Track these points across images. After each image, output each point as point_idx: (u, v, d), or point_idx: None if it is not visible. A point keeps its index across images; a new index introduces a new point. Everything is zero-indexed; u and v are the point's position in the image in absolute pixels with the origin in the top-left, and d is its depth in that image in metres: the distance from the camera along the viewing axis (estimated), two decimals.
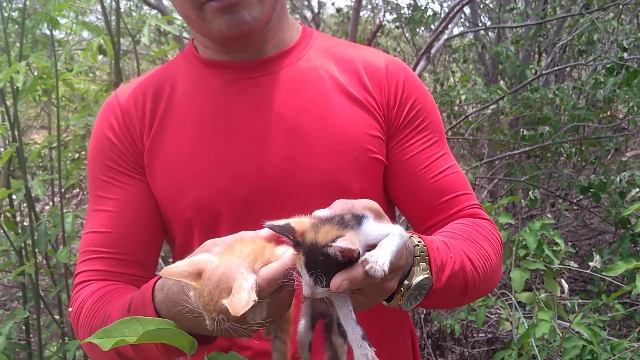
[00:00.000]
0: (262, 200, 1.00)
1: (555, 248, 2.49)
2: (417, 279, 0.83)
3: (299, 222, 0.73)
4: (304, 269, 0.70)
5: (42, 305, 2.39)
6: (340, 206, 0.76)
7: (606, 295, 3.02)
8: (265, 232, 0.77)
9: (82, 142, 2.77)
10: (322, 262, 0.69)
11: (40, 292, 2.42)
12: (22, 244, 2.28)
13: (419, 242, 0.87)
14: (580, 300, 3.09)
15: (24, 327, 2.49)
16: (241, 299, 0.65)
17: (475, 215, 1.07)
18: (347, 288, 0.69)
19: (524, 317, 2.60)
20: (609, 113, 4.64)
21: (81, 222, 2.82)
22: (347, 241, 0.68)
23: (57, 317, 2.41)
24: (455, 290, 0.93)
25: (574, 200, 4.73)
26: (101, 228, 1.03)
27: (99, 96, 2.36)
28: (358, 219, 0.73)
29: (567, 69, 5.04)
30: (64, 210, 2.17)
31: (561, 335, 2.18)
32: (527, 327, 2.43)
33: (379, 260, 0.69)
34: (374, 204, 0.79)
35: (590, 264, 2.46)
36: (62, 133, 2.32)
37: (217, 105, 1.03)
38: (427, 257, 0.86)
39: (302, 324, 0.81)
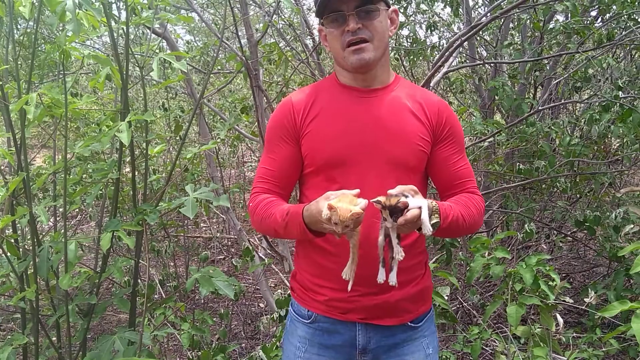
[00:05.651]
0: (359, 162, 1.75)
1: (550, 283, 2.53)
2: (433, 221, 1.59)
3: (382, 197, 1.51)
4: (387, 214, 1.51)
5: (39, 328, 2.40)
6: (398, 189, 1.56)
7: (600, 329, 3.04)
8: (354, 191, 1.55)
9: (85, 165, 2.81)
10: (393, 213, 1.50)
11: (39, 315, 2.43)
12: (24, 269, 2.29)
13: (434, 204, 1.62)
14: (574, 334, 3.11)
15: (21, 351, 2.50)
16: (357, 215, 1.48)
17: (473, 193, 1.84)
18: (402, 223, 1.50)
19: (519, 349, 2.62)
20: (602, 148, 4.71)
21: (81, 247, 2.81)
22: (401, 203, 1.50)
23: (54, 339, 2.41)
24: (453, 229, 1.69)
25: (569, 233, 4.77)
26: (269, 166, 1.85)
27: (104, 123, 2.39)
28: (405, 195, 1.53)
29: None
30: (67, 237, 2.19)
31: None
32: None
33: (426, 226, 1.53)
34: (414, 187, 1.57)
35: (585, 299, 2.50)
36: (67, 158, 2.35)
37: (345, 109, 1.80)
38: (438, 212, 1.62)
39: (381, 238, 1.61)
